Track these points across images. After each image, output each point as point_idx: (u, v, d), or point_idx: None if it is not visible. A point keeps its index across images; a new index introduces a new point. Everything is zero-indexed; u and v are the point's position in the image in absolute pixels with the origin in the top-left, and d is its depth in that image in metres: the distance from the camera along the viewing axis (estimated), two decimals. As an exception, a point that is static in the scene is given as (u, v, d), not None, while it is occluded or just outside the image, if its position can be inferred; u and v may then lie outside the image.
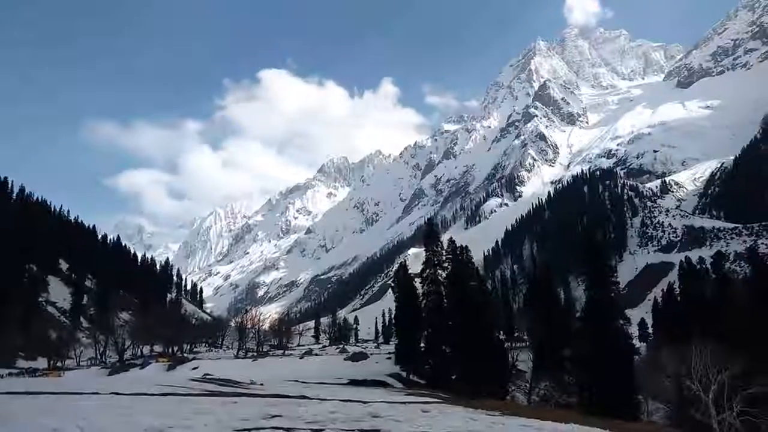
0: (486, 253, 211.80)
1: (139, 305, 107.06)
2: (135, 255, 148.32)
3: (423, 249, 51.49)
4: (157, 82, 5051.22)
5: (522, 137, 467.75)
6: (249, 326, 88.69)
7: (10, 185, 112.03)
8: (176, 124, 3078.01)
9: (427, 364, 48.29)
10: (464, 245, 51.97)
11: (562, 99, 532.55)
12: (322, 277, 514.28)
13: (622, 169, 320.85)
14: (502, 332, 63.00)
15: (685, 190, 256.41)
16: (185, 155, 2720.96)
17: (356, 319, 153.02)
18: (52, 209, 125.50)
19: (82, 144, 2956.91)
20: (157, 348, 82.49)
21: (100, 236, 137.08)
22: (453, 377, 46.01)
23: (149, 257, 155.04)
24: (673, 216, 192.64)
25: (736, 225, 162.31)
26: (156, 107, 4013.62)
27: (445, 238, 55.61)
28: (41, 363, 67.72)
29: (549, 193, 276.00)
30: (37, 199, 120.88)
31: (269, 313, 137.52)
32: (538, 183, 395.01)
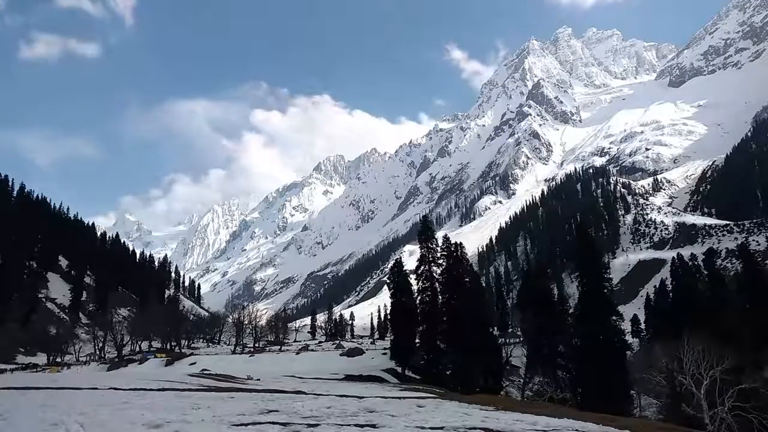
0: (480, 250, 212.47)
1: (138, 302, 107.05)
2: (134, 252, 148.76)
3: (418, 246, 51.57)
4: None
5: (516, 135, 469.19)
6: (246, 322, 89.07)
7: (10, 183, 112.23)
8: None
9: (422, 359, 48.53)
10: (459, 242, 52.10)
11: (556, 98, 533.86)
12: (318, 273, 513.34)
13: (614, 167, 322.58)
14: (496, 328, 63.55)
15: (676, 187, 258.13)
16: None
17: (352, 315, 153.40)
18: (52, 207, 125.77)
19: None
20: (156, 344, 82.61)
21: (99, 234, 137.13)
22: (448, 372, 46.35)
23: (148, 254, 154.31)
24: (665, 213, 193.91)
25: (728, 222, 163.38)
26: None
27: (439, 235, 55.79)
28: (41, 359, 67.98)
29: (542, 190, 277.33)
30: (37, 197, 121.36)
31: (266, 310, 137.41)
32: (532, 181, 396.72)
